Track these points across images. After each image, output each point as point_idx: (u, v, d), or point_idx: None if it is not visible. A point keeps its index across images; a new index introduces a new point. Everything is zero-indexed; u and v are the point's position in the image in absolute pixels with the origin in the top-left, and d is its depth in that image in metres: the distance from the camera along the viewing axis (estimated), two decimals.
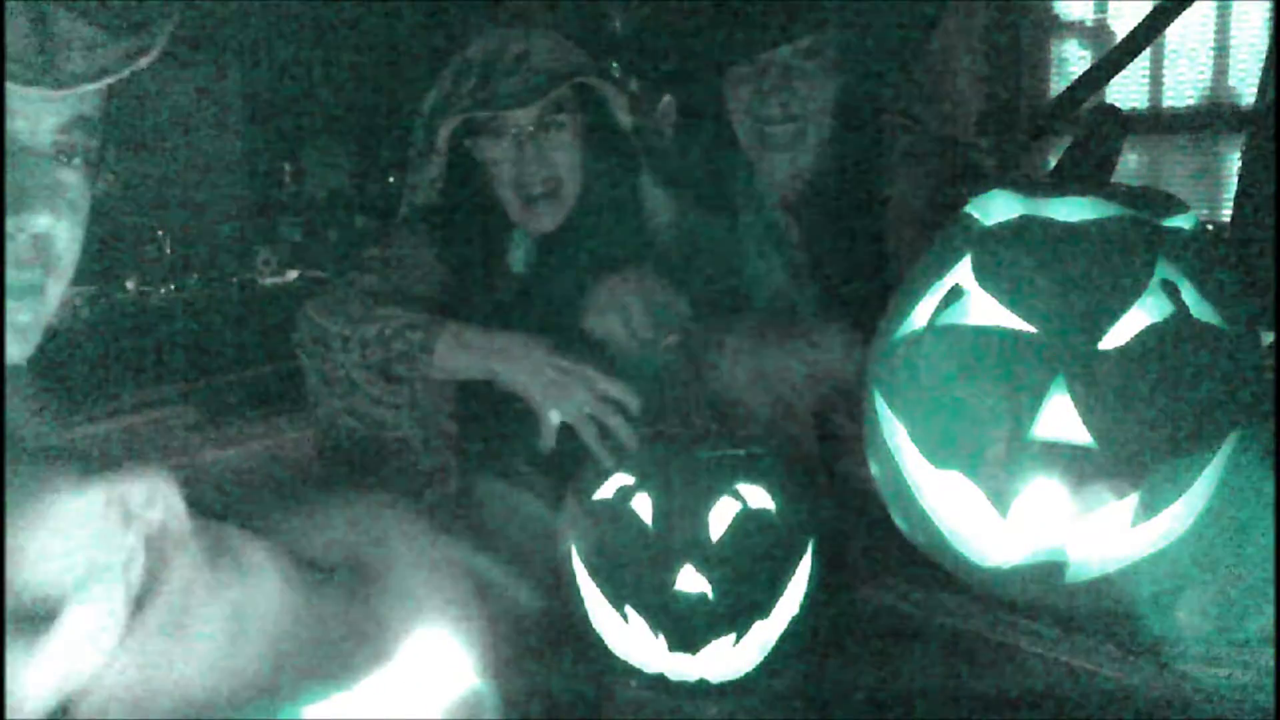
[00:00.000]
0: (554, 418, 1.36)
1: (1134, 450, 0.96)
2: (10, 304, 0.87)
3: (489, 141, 1.47)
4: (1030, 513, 1.01)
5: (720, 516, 1.26)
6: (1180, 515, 1.00)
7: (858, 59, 1.51)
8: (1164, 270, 1.01)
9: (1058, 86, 2.45)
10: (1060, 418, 0.98)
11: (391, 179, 3.71)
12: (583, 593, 1.32)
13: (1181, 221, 1.06)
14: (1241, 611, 1.02)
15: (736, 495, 1.27)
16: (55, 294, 0.91)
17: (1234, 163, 2.23)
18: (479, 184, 1.50)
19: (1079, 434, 0.97)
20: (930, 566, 1.16)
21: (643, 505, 1.27)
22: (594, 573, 1.30)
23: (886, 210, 1.52)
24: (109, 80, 0.88)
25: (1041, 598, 1.07)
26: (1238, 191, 1.53)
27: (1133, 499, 0.98)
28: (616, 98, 1.53)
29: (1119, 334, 0.98)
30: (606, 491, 1.31)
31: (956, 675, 1.16)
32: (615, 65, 1.61)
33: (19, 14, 0.83)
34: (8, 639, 0.82)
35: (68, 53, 0.85)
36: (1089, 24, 2.55)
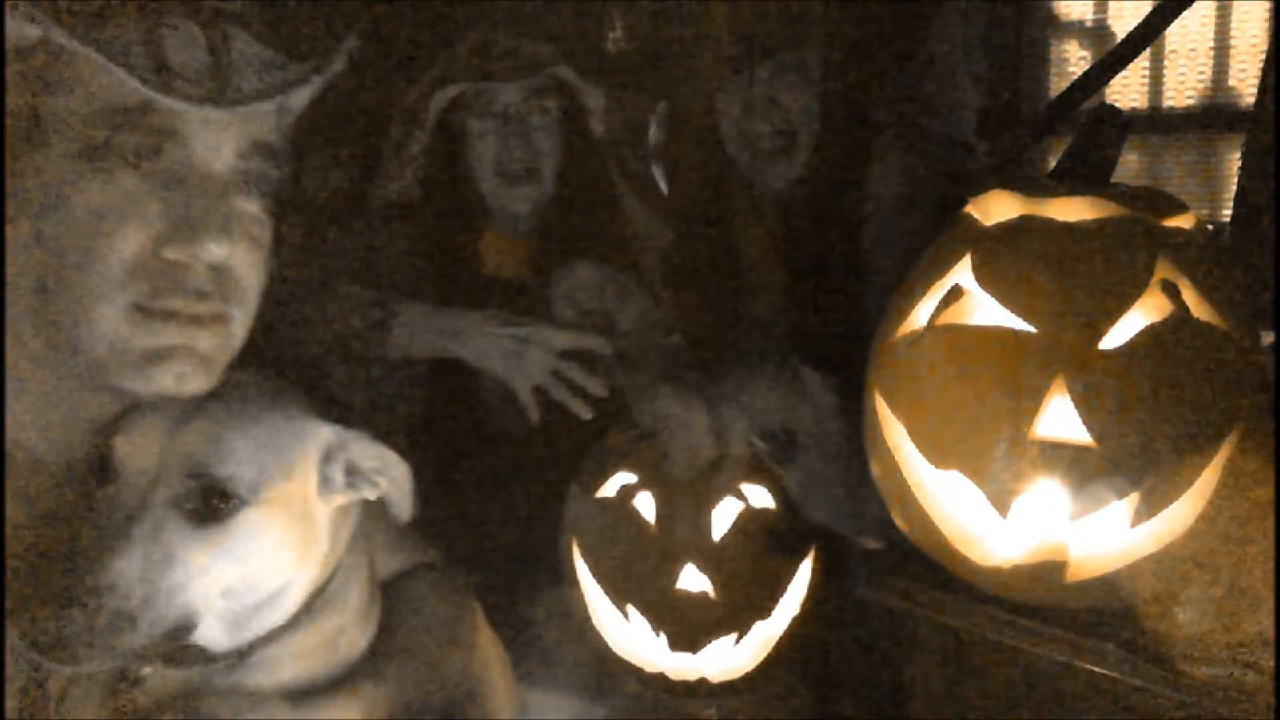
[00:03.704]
0: (523, 387, 1.38)
1: (1134, 450, 0.96)
2: (194, 331, 0.86)
3: (475, 119, 1.48)
4: (1030, 512, 1.01)
5: (722, 516, 1.26)
6: (1180, 515, 1.00)
7: (844, 67, 1.52)
8: (1164, 270, 1.01)
9: (1058, 86, 2.45)
10: (1060, 418, 0.98)
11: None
12: (584, 591, 1.32)
13: (1181, 221, 1.07)
14: (1241, 611, 1.02)
15: (739, 495, 1.27)
16: (242, 324, 0.91)
17: (1234, 163, 2.22)
18: (458, 172, 1.51)
19: (1079, 434, 0.97)
20: (930, 566, 1.16)
21: (645, 504, 1.28)
22: (595, 571, 1.30)
23: (870, 209, 1.53)
24: (281, 98, 0.87)
25: (1042, 598, 1.07)
26: (1238, 191, 1.53)
27: (1133, 499, 0.98)
28: (594, 103, 1.55)
29: (1119, 334, 0.99)
30: (609, 490, 1.31)
31: (956, 675, 1.16)
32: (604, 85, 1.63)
33: (198, 35, 0.83)
34: None
35: (243, 72, 0.85)
36: (1089, 24, 2.54)
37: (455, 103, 1.49)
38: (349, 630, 1.02)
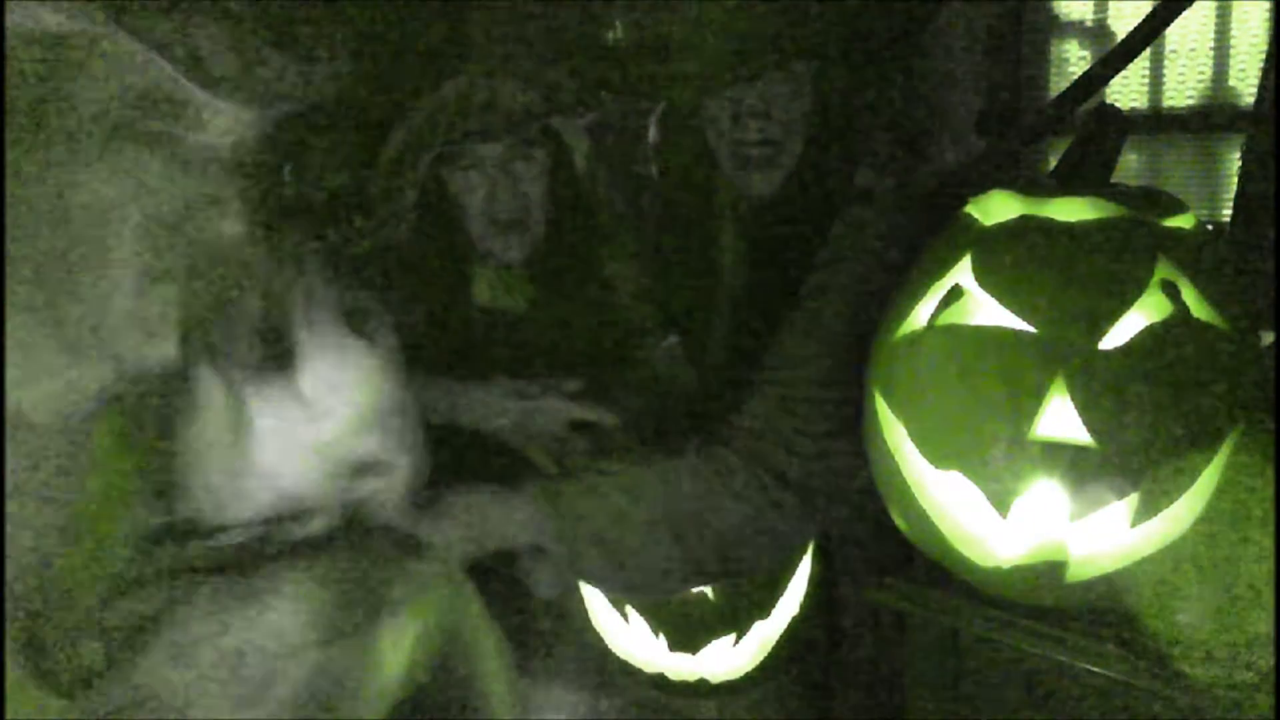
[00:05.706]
0: (533, 452, 1.43)
1: (1134, 450, 0.96)
2: (186, 302, 0.91)
3: (462, 173, 1.49)
4: (1030, 512, 1.01)
5: None
6: (1180, 515, 1.00)
7: (834, 77, 1.51)
8: (1164, 270, 1.01)
9: (1058, 86, 2.45)
10: (1060, 418, 0.98)
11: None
12: (584, 592, 1.32)
13: (1181, 221, 1.07)
14: (1241, 611, 1.02)
15: None
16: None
17: (1234, 163, 2.22)
18: (449, 218, 1.52)
19: (1079, 434, 0.97)
20: (930, 566, 1.16)
21: None
22: None
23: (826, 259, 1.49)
24: (302, 101, 0.93)
25: (1042, 598, 1.07)
26: (1238, 191, 1.53)
27: (1133, 499, 0.98)
28: (578, 144, 1.56)
29: (1119, 334, 0.99)
30: None
31: (956, 675, 1.16)
32: (605, 93, 1.62)
33: (223, 33, 0.88)
34: None
35: (267, 73, 0.91)
36: (1089, 24, 2.54)
37: (440, 155, 1.49)
38: None
